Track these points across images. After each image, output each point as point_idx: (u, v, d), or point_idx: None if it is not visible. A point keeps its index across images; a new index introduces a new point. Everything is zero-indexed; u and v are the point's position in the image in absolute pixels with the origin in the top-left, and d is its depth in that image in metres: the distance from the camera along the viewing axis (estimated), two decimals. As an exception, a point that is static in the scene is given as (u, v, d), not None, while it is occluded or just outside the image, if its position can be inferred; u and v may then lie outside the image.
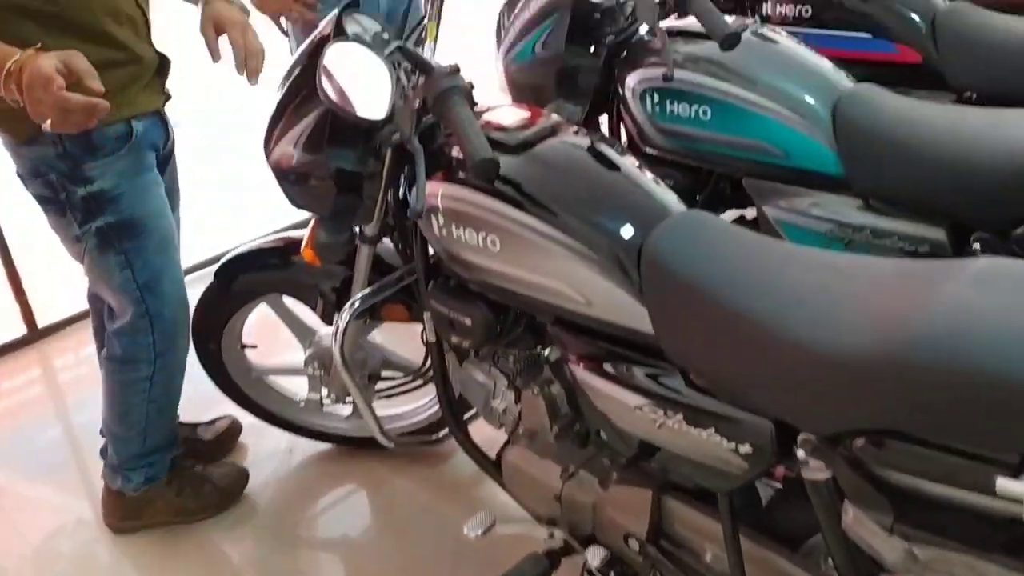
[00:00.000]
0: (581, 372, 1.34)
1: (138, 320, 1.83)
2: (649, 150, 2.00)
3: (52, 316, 2.98)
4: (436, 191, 1.41)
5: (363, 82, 1.42)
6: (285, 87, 1.61)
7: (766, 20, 2.41)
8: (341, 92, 1.41)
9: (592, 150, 1.38)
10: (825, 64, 1.88)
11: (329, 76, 1.40)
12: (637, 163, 1.41)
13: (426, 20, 1.67)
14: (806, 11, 2.35)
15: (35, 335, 2.95)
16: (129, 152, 1.69)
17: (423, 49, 1.66)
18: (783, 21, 2.39)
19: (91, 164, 1.65)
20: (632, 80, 1.96)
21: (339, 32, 1.54)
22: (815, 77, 1.83)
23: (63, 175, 1.65)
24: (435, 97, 1.30)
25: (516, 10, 2.09)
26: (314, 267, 1.79)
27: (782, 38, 1.91)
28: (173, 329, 1.90)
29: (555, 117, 1.46)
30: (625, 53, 2.03)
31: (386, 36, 1.52)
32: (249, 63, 1.65)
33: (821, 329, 1.01)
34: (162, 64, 1.79)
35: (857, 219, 1.74)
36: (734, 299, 1.11)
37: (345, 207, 1.64)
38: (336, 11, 1.57)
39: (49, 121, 1.32)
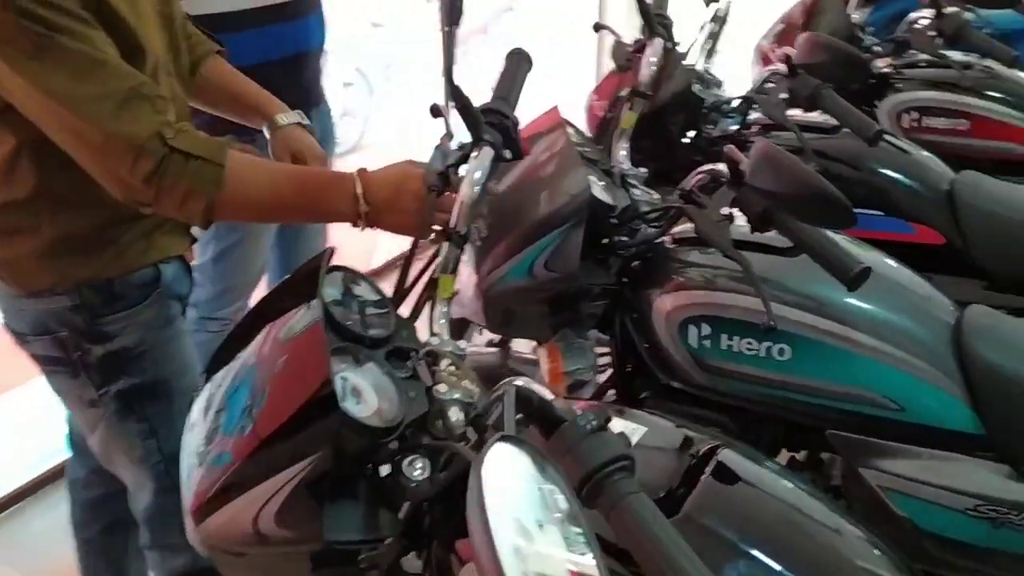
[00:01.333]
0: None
1: (163, 498, 1.53)
2: (678, 385, 1.51)
3: None
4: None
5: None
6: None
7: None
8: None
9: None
10: (925, 284, 1.48)
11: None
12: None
13: (438, 272, 1.11)
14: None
15: None
16: (154, 302, 1.46)
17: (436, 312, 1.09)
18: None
19: (112, 317, 1.41)
20: (665, 304, 1.47)
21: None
22: (926, 301, 1.43)
23: (77, 331, 1.41)
24: None
25: (486, 218, 1.55)
26: None
27: (866, 250, 1.50)
28: None
29: None
30: (641, 265, 1.54)
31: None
32: None
33: None
34: None
35: (1009, 491, 1.31)
36: None
37: None
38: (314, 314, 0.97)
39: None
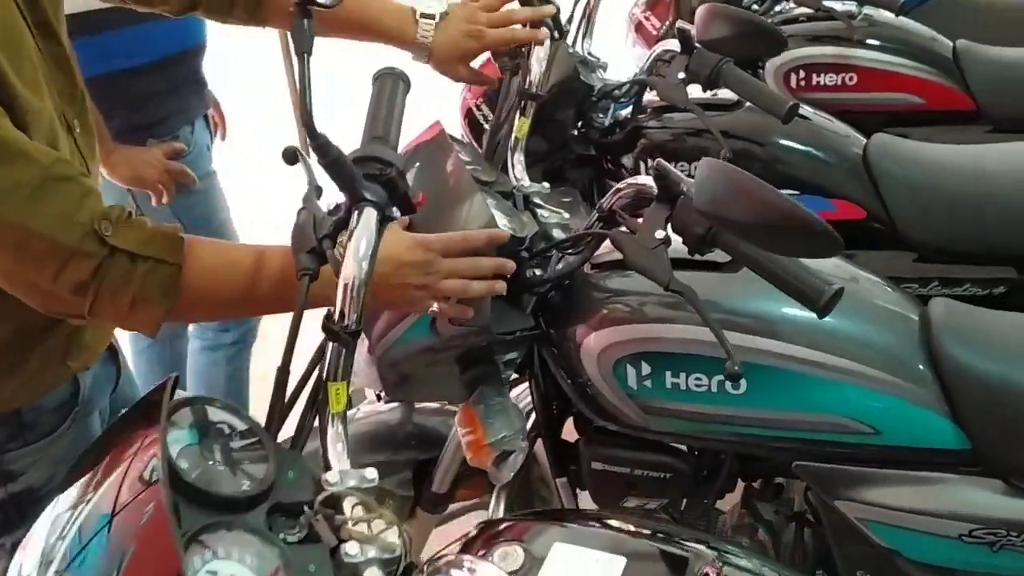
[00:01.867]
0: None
1: None
2: (616, 428, 1.30)
3: None
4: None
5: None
6: None
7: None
8: None
9: None
10: (884, 284, 1.31)
11: None
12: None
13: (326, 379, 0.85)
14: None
15: None
16: (72, 425, 1.18)
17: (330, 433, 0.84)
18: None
19: (17, 453, 1.14)
20: (594, 343, 1.25)
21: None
22: (889, 305, 1.26)
23: None
24: None
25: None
26: None
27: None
28: None
29: None
30: (558, 297, 1.32)
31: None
32: None
33: None
34: None
35: (1004, 509, 1.16)
36: None
37: None
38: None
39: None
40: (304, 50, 0.84)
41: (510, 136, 1.41)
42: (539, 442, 1.46)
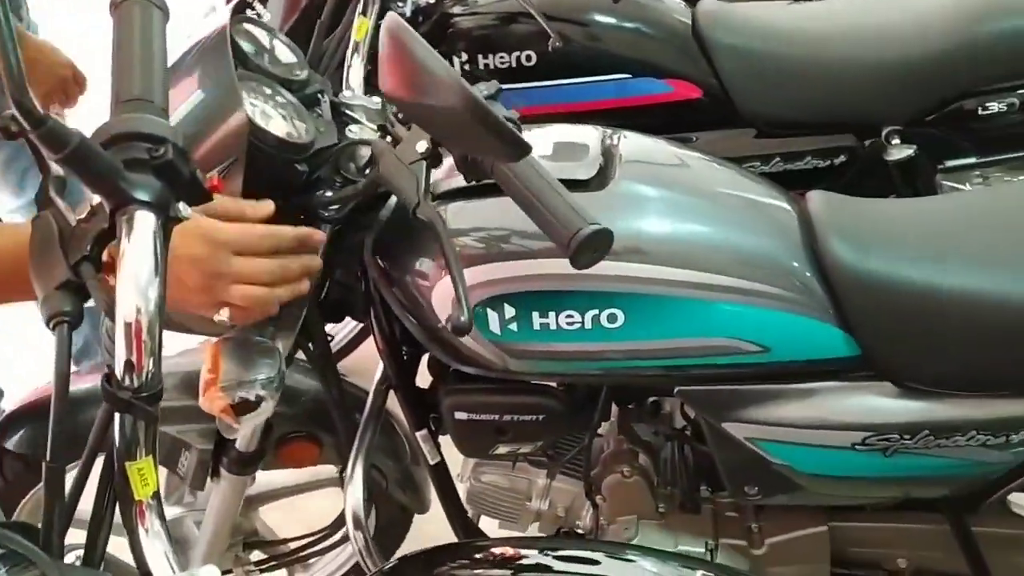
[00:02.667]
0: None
1: None
2: (478, 371, 1.14)
3: None
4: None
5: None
6: None
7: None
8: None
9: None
10: (758, 182, 1.18)
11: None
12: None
13: None
14: (528, 59, 1.60)
15: None
16: None
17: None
18: (498, 78, 1.62)
19: None
20: (445, 288, 1.06)
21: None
22: (766, 207, 1.13)
23: None
24: None
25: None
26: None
27: (689, 154, 1.17)
28: None
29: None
30: (388, 235, 1.11)
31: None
32: None
33: None
34: None
35: (895, 413, 1.10)
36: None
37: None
38: None
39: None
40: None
41: (343, 40, 1.18)
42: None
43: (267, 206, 0.94)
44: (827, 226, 1.09)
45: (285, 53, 1.14)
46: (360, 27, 1.22)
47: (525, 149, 0.82)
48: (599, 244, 0.85)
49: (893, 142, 1.59)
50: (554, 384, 1.20)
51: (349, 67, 1.23)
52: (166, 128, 0.65)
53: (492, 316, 1.06)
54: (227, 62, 0.98)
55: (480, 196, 1.06)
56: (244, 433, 1.09)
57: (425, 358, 1.26)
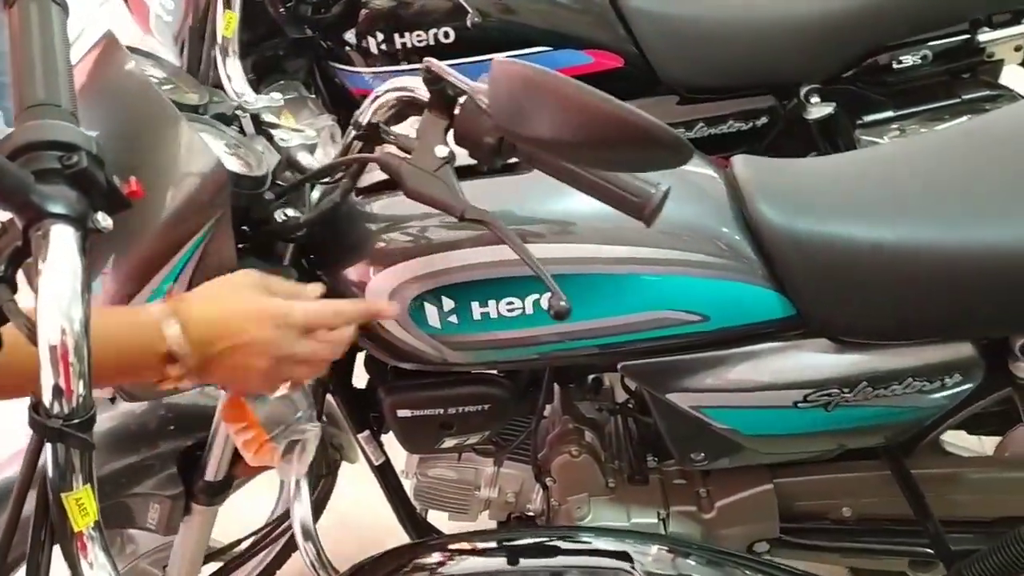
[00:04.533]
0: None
1: None
2: (415, 367, 1.13)
3: None
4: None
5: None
6: None
7: (396, 61, 1.58)
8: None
9: None
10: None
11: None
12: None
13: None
14: (445, 36, 1.57)
15: None
16: None
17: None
18: (416, 57, 1.59)
19: None
20: (381, 284, 1.04)
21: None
22: (694, 175, 1.13)
23: None
24: None
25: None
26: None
27: None
28: None
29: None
30: (324, 235, 1.08)
31: None
32: None
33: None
34: None
35: (834, 368, 1.12)
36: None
37: None
38: None
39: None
40: None
41: (213, 38, 1.10)
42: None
43: (318, 288, 0.92)
44: (754, 190, 1.10)
45: (185, 79, 1.07)
46: (228, 21, 1.15)
47: (689, 151, 0.77)
48: (663, 204, 0.85)
49: (812, 101, 1.61)
50: (495, 372, 1.19)
51: (224, 68, 1.17)
52: (77, 134, 0.61)
53: (430, 310, 1.04)
54: (172, 113, 0.90)
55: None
56: (300, 472, 1.06)
57: (360, 357, 1.23)
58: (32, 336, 0.56)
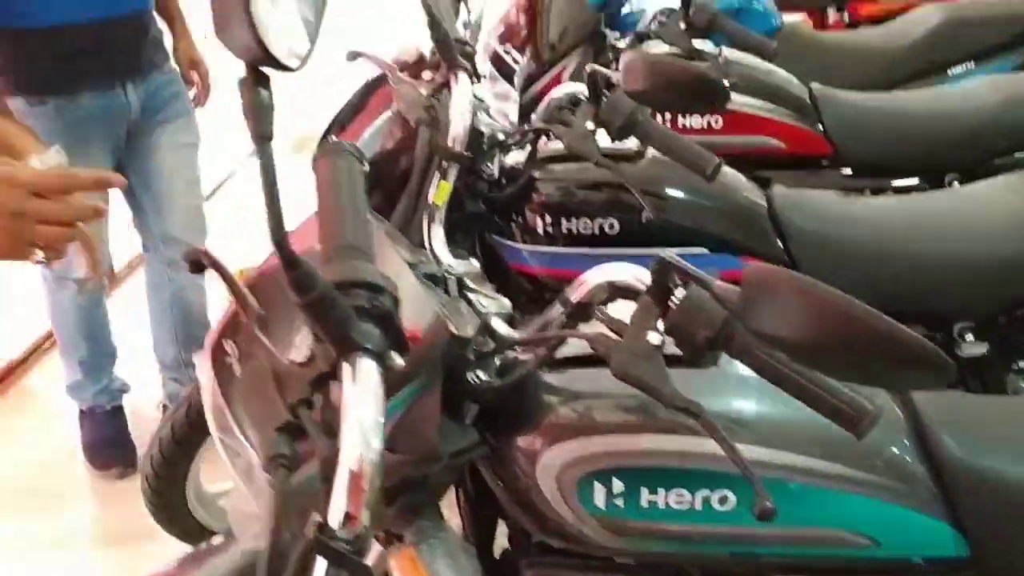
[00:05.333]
0: None
1: None
2: (565, 545, 1.10)
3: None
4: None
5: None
6: None
7: (557, 243, 1.65)
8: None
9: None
10: None
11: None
12: None
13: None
14: (611, 227, 1.64)
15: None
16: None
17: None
18: (578, 243, 1.65)
19: None
20: (554, 457, 1.04)
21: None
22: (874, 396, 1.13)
23: None
24: None
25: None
26: None
27: None
28: None
29: None
30: (502, 402, 1.10)
31: None
32: None
33: None
34: None
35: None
36: None
37: None
38: None
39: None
40: (264, 131, 0.57)
41: (425, 201, 1.17)
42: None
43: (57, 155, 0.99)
44: (937, 422, 1.09)
45: (398, 237, 1.12)
46: (441, 190, 1.23)
47: (953, 371, 0.74)
48: (876, 422, 0.83)
49: (967, 339, 1.59)
50: (632, 561, 1.15)
51: (430, 232, 1.23)
52: (384, 278, 0.66)
53: (599, 490, 1.04)
54: (399, 264, 0.94)
55: (591, 365, 1.05)
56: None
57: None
58: (330, 461, 0.57)
